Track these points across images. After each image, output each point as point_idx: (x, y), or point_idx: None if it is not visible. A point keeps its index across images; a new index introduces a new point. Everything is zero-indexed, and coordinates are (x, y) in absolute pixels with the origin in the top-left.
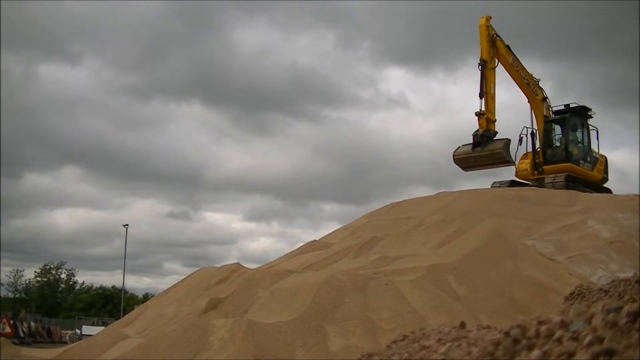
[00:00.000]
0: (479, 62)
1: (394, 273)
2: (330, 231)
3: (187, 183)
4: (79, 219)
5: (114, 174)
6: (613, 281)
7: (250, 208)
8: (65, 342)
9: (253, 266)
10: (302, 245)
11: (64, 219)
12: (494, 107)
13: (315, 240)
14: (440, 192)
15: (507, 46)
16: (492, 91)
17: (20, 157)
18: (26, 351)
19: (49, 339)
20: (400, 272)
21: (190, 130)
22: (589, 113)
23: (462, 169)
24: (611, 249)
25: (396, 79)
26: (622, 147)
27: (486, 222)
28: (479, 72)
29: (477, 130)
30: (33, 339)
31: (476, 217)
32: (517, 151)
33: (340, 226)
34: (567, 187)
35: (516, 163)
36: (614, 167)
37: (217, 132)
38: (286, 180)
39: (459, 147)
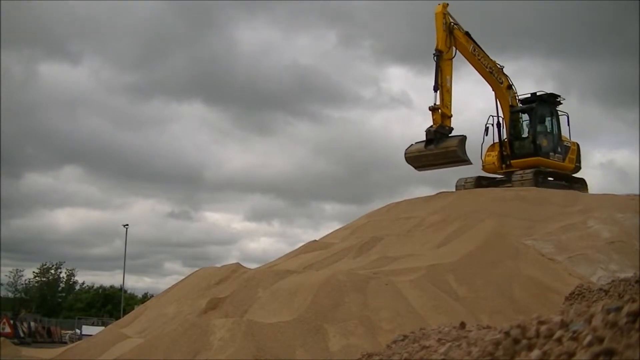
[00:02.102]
0: (434, 52)
1: (394, 273)
2: (331, 231)
3: (187, 183)
4: (79, 219)
5: (115, 174)
6: (613, 281)
7: (251, 208)
8: (65, 342)
9: (253, 266)
10: (302, 245)
11: (64, 219)
12: (450, 102)
13: (315, 240)
14: (440, 192)
15: (467, 33)
16: (448, 84)
17: (21, 156)
18: (26, 351)
19: (49, 339)
20: (400, 272)
21: (191, 130)
22: (558, 99)
23: (415, 168)
24: (611, 249)
25: (398, 78)
26: (623, 146)
27: (486, 222)
28: (434, 63)
29: (431, 126)
30: (33, 339)
31: (476, 217)
32: (484, 143)
33: (341, 226)
34: (537, 183)
35: (482, 156)
36: (615, 167)
37: (217, 132)
38: (287, 180)
39: (412, 144)
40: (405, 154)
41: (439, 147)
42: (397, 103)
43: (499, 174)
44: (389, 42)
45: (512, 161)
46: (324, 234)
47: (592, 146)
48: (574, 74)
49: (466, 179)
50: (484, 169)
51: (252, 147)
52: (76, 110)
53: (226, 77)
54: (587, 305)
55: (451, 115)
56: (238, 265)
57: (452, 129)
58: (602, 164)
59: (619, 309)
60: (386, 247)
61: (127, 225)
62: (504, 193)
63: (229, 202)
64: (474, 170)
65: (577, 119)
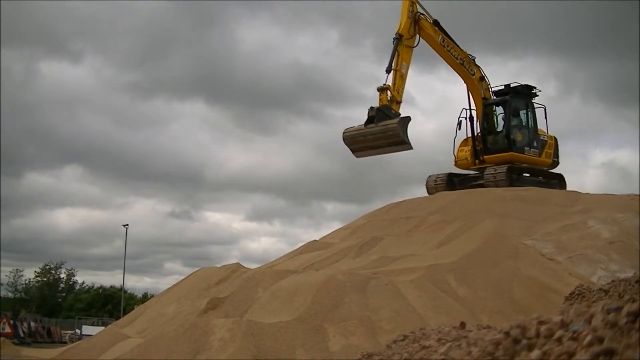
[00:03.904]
0: (394, 36)
1: (394, 273)
2: (331, 231)
3: (188, 182)
4: (79, 219)
5: (116, 174)
6: (613, 281)
7: (252, 207)
8: (65, 342)
9: (253, 266)
10: (302, 245)
11: (65, 219)
12: (403, 88)
13: (315, 240)
14: (441, 192)
15: (436, 22)
16: (403, 70)
17: (21, 156)
18: (26, 351)
19: (49, 339)
20: (400, 272)
21: (192, 129)
22: (534, 91)
23: (353, 152)
24: (611, 249)
25: None
26: (625, 146)
27: (486, 222)
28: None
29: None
30: (33, 339)
31: (476, 217)
32: (456, 137)
33: (341, 226)
34: (511, 180)
35: (455, 151)
36: (617, 166)
37: (218, 131)
38: (288, 179)
39: (353, 126)
40: (343, 134)
41: (378, 125)
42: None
43: (472, 170)
44: (391, 41)
45: (485, 157)
46: (325, 234)
47: (594, 145)
48: (577, 72)
49: (437, 175)
50: (457, 165)
51: (253, 147)
52: (77, 110)
53: (227, 76)
54: (587, 305)
55: (400, 101)
56: (238, 265)
57: (400, 114)
58: (604, 163)
59: (619, 309)
60: (386, 247)
61: (127, 225)
62: (504, 193)
63: (230, 201)
64: (447, 167)
65: (580, 117)
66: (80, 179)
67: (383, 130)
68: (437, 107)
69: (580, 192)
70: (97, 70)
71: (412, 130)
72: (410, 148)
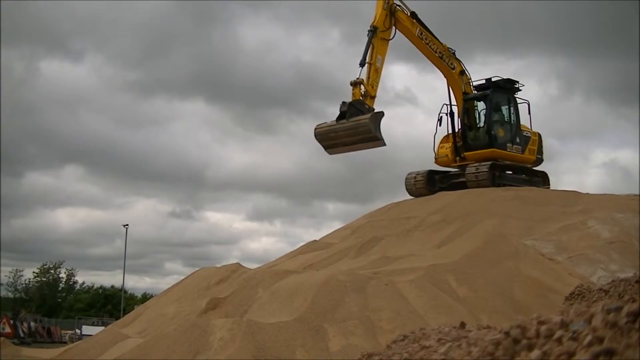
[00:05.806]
0: (369, 28)
1: (394, 273)
2: (332, 231)
3: (189, 182)
4: (80, 219)
5: (116, 173)
6: (613, 281)
7: (253, 207)
8: (65, 342)
9: (254, 266)
10: (302, 245)
11: (65, 219)
12: (377, 82)
13: (315, 240)
14: (440, 192)
15: (414, 14)
16: (378, 63)
17: (22, 155)
18: (26, 351)
19: (49, 339)
20: (400, 272)
21: (193, 129)
22: (516, 86)
23: (325, 148)
24: (611, 249)
25: (401, 75)
26: (627, 145)
27: (486, 222)
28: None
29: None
30: (33, 339)
31: (476, 217)
32: (436, 134)
33: (342, 226)
34: (493, 178)
35: (435, 148)
36: (618, 166)
37: (219, 130)
38: (289, 179)
39: (325, 122)
40: (314, 130)
41: (350, 120)
42: (402, 100)
43: (453, 167)
44: (392, 40)
45: (465, 153)
46: (326, 234)
47: (596, 144)
48: (579, 72)
49: (417, 173)
50: (437, 162)
51: (254, 146)
52: (77, 109)
53: (228, 75)
54: (587, 305)
55: (375, 96)
56: (238, 265)
57: (373, 109)
58: (605, 163)
59: (619, 309)
60: (386, 247)
61: (127, 225)
62: (504, 193)
63: (231, 201)
64: (427, 164)
65: (581, 117)
66: (80, 178)
67: (354, 126)
68: (440, 106)
69: (580, 192)
70: (98, 69)
71: (413, 129)
72: (383, 144)
